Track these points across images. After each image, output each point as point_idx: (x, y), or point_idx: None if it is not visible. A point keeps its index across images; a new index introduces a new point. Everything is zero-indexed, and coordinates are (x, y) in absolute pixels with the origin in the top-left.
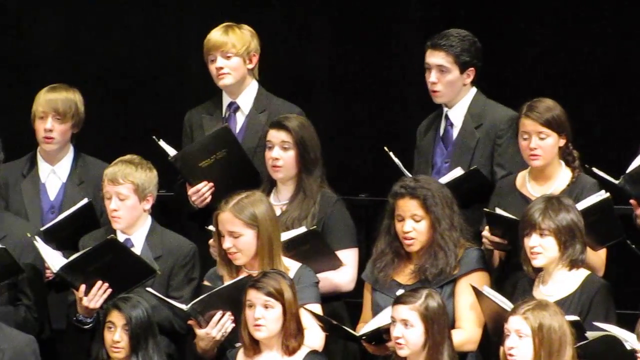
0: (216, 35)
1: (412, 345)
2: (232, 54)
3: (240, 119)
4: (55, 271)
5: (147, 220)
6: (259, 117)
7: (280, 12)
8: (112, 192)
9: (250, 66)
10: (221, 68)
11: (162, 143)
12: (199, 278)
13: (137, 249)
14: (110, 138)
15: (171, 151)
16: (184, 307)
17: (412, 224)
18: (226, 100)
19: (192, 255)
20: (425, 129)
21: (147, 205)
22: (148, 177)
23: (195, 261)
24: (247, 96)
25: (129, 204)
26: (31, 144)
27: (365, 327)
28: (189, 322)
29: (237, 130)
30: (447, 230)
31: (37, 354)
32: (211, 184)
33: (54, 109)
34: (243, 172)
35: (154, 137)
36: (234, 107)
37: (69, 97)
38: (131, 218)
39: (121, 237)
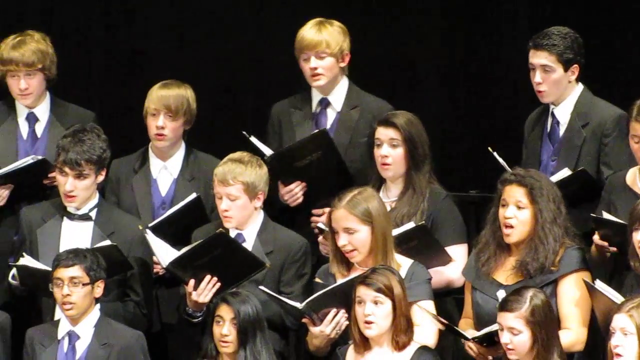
0: (310, 34)
1: (521, 350)
2: (326, 54)
3: (331, 115)
4: (164, 266)
5: (259, 216)
6: (351, 113)
7: (390, 8)
8: (222, 193)
9: (342, 65)
10: (315, 69)
11: (253, 139)
12: (310, 274)
13: (249, 245)
14: (221, 134)
15: (263, 147)
16: (298, 305)
17: (514, 211)
18: (316, 96)
19: (304, 251)
20: (532, 123)
21: (258, 203)
22: (258, 174)
23: (306, 257)
24: (339, 93)
25: (239, 204)
26: (144, 139)
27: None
28: (303, 320)
29: (329, 127)
30: (549, 224)
31: (145, 350)
32: (304, 183)
33: (165, 106)
34: (337, 174)
35: (244, 132)
36: (324, 103)
37: (181, 94)
38: (242, 217)
39: (233, 233)
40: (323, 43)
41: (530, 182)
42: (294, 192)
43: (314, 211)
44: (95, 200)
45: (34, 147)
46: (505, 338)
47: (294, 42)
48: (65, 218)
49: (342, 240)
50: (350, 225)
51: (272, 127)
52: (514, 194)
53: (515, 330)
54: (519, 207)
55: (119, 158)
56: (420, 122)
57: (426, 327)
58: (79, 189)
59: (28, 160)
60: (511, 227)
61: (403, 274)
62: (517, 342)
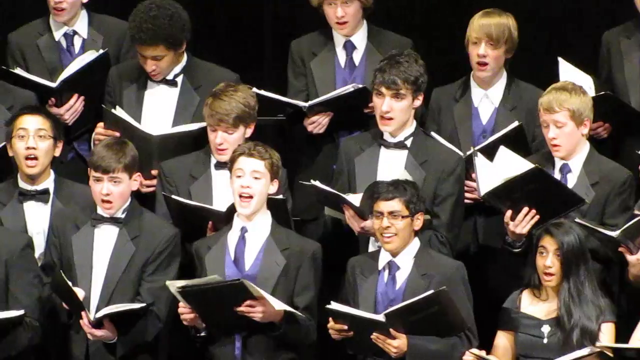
0: None
1: None
2: None
3: None
4: (480, 195)
5: (585, 147)
6: None
7: None
8: (548, 120)
9: None
10: None
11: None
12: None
13: (574, 175)
14: (540, 63)
15: (579, 75)
16: (613, 234)
17: None
18: None
19: (629, 183)
20: None
21: (585, 130)
22: (582, 101)
23: (631, 189)
24: None
25: (566, 131)
26: (466, 68)
27: None
28: (620, 249)
29: None
30: None
31: (465, 280)
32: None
33: (487, 34)
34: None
35: (559, 57)
36: None
37: (502, 22)
38: (570, 144)
39: (558, 163)
40: None
41: None
42: (604, 127)
43: None
44: (411, 128)
45: (352, 75)
46: None
47: None
48: (382, 147)
49: None
50: None
51: (602, 55)
52: None
53: None
54: None
55: (439, 87)
56: None
57: None
58: (395, 111)
59: (348, 88)
60: None
61: None
62: None
